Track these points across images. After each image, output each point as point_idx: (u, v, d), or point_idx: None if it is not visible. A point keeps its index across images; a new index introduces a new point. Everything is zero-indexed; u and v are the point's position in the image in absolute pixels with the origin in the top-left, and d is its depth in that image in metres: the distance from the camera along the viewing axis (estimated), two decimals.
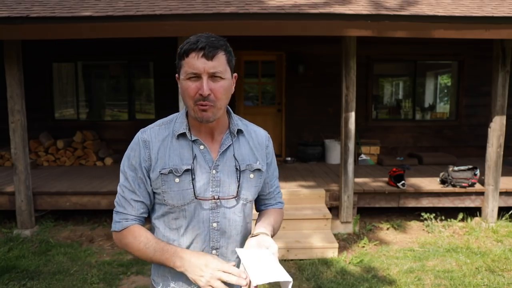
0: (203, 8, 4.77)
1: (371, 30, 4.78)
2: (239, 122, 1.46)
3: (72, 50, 7.53)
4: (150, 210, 1.42)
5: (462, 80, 8.01)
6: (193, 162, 1.33)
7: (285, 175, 6.42)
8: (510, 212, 5.64)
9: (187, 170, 1.32)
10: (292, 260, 4.46)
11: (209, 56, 1.24)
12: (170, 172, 1.32)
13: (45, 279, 3.97)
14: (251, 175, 1.42)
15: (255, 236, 1.36)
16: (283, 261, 4.39)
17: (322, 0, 5.17)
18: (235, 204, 1.39)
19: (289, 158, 7.60)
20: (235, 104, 7.75)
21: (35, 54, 7.44)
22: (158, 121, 1.42)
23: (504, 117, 5.38)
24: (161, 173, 1.32)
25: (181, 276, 1.34)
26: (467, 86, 8.00)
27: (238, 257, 1.40)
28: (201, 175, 1.34)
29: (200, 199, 1.33)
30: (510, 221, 5.54)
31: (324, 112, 7.84)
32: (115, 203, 1.40)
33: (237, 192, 1.38)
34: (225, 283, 1.19)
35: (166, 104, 7.63)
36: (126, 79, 8.06)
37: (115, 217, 1.38)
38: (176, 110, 5.19)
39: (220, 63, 1.26)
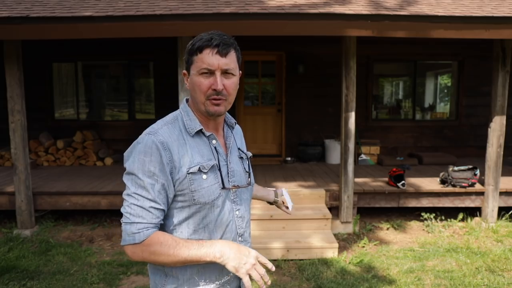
0: (203, 8, 4.77)
1: (371, 30, 4.78)
2: (229, 115, 1.56)
3: (72, 50, 7.53)
4: (166, 218, 1.36)
5: (462, 80, 8.01)
6: (217, 158, 1.38)
7: (285, 175, 6.42)
8: (510, 212, 5.64)
9: (213, 166, 1.35)
10: (292, 260, 4.46)
11: (223, 53, 1.29)
12: (199, 170, 1.31)
13: (45, 279, 3.97)
14: (248, 162, 1.56)
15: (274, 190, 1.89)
16: (283, 261, 4.39)
17: (322, 0, 5.17)
18: (246, 190, 1.49)
19: (289, 158, 7.60)
20: (235, 104, 7.74)
21: (35, 54, 7.45)
22: (160, 121, 1.39)
23: (504, 117, 5.38)
24: (190, 172, 1.30)
25: (211, 273, 1.38)
26: (467, 86, 8.00)
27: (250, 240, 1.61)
28: (222, 168, 1.39)
29: (226, 188, 1.38)
30: (510, 221, 5.54)
31: (324, 112, 7.84)
32: (126, 214, 1.27)
33: (249, 179, 1.49)
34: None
35: (166, 104, 7.63)
36: (126, 79, 8.06)
37: (130, 228, 1.25)
38: (177, 109, 5.19)
39: (232, 60, 1.32)
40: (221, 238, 1.39)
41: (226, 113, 1.48)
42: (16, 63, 5.04)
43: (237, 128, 1.60)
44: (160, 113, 8.12)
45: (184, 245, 1.26)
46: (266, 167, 7.10)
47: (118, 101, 8.21)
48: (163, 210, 1.30)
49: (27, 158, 5.26)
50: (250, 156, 1.59)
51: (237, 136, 1.56)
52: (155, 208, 1.27)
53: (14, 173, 5.19)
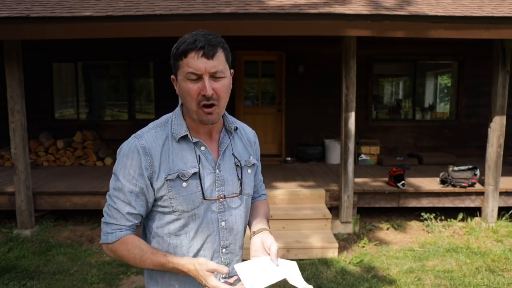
0: (203, 8, 4.77)
1: (371, 30, 4.78)
2: (232, 119, 1.46)
3: (72, 50, 7.53)
4: (150, 219, 1.37)
5: (462, 80, 8.01)
6: (199, 165, 1.31)
7: (285, 175, 6.42)
8: (510, 212, 5.64)
9: (194, 174, 1.30)
10: (292, 260, 4.45)
11: (209, 55, 1.21)
12: (177, 177, 1.28)
13: (45, 279, 3.97)
14: (249, 170, 1.45)
15: (258, 233, 1.41)
16: None
17: (322, 0, 5.17)
18: (239, 200, 1.40)
19: (289, 158, 7.60)
20: (235, 104, 7.74)
21: (35, 54, 7.44)
22: (151, 124, 1.37)
23: (504, 117, 5.38)
24: (168, 179, 1.27)
25: (191, 282, 1.32)
26: (467, 86, 7.99)
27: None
28: (206, 176, 1.33)
29: (208, 199, 1.32)
30: (510, 221, 5.54)
31: (324, 112, 7.84)
32: (104, 213, 1.32)
33: (240, 189, 1.39)
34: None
35: (166, 104, 7.58)
36: (126, 79, 8.06)
37: (106, 228, 1.30)
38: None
39: (220, 61, 1.24)
40: (201, 248, 1.35)
41: (228, 116, 1.43)
42: (16, 63, 5.04)
43: (244, 133, 1.50)
44: (160, 113, 8.05)
45: (149, 258, 1.26)
46: (266, 167, 7.09)
47: (118, 101, 8.21)
48: (139, 214, 1.31)
49: (27, 158, 5.26)
50: (254, 164, 1.48)
51: (239, 141, 1.46)
52: (129, 212, 1.29)
53: (14, 173, 5.19)
